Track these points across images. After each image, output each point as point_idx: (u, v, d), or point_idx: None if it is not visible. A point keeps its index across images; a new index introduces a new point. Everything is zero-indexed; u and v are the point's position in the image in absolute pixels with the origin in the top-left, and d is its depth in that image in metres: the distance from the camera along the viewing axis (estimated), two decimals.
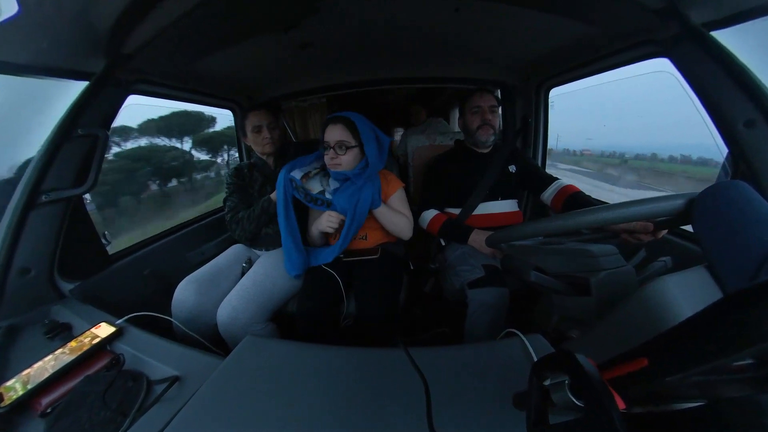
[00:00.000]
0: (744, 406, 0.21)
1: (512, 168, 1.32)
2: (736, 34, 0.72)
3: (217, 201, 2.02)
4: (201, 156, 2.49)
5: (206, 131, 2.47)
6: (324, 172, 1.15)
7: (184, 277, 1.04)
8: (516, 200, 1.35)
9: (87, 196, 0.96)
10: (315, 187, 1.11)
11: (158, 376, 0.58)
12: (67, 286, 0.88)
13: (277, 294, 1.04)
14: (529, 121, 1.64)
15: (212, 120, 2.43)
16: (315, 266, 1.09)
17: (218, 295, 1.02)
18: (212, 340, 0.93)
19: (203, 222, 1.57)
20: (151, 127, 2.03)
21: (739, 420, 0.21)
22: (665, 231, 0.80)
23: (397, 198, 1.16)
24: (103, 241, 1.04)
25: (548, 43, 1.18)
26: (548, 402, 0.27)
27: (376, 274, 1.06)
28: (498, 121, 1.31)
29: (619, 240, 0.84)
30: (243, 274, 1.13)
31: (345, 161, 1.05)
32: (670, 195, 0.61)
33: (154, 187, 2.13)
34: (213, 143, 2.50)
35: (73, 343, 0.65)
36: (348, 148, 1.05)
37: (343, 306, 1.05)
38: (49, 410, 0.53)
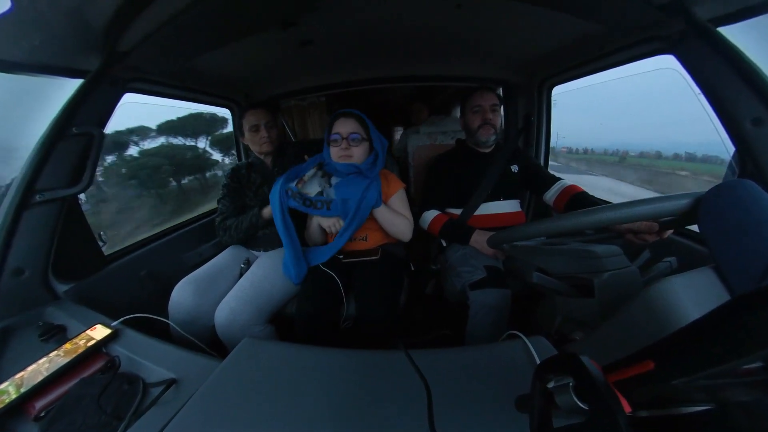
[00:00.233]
0: (753, 411, 0.21)
1: (514, 168, 1.31)
2: (744, 30, 0.71)
3: None
4: (215, 154, 2.65)
5: (221, 131, 2.59)
6: (322, 171, 1.13)
7: (182, 278, 1.03)
8: (518, 200, 1.34)
9: (82, 195, 0.94)
10: (313, 189, 1.10)
11: (154, 378, 0.57)
12: (61, 287, 0.87)
13: (275, 295, 1.03)
14: (531, 119, 1.63)
15: (224, 120, 2.53)
16: (315, 268, 1.08)
17: (216, 296, 1.01)
18: (210, 343, 0.92)
19: (201, 222, 1.56)
20: (174, 126, 2.24)
21: (748, 424, 0.21)
22: (670, 231, 0.79)
23: (398, 199, 1.15)
24: (99, 242, 1.03)
25: (551, 40, 1.17)
26: (552, 405, 0.27)
27: (376, 275, 1.05)
28: (500, 120, 1.29)
29: (623, 240, 0.83)
30: (241, 275, 1.12)
31: (357, 153, 1.06)
32: (676, 194, 0.60)
33: (183, 180, 2.40)
34: (228, 143, 2.59)
35: (67, 346, 0.64)
36: (361, 140, 1.07)
37: (343, 308, 1.04)
38: (43, 414, 0.52)
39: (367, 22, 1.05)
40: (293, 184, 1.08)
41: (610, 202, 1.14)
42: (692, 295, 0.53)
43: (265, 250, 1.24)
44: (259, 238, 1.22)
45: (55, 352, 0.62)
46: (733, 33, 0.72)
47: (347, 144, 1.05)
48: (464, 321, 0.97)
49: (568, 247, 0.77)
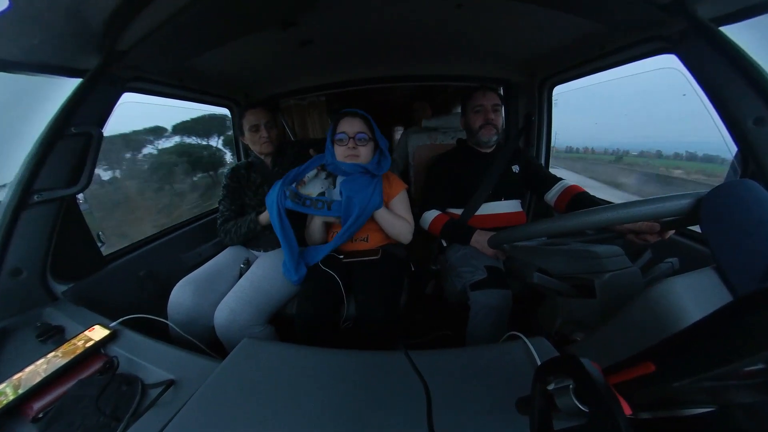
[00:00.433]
0: (755, 413, 0.21)
1: (515, 168, 1.31)
2: (746, 30, 0.71)
3: None
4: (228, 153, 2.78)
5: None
6: (325, 172, 1.13)
7: (181, 278, 1.03)
8: (519, 200, 1.34)
9: (80, 195, 0.94)
10: (315, 190, 1.09)
11: (153, 379, 0.57)
12: (60, 288, 0.86)
13: (275, 296, 1.02)
14: (532, 119, 1.63)
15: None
16: (315, 268, 1.08)
17: (215, 296, 1.00)
18: (209, 343, 0.91)
19: (200, 222, 1.55)
20: (191, 126, 2.40)
21: (751, 426, 0.20)
22: (672, 231, 0.78)
23: (399, 200, 1.15)
24: (98, 242, 1.03)
25: (552, 39, 1.17)
26: (552, 407, 0.27)
27: (376, 275, 1.05)
28: (501, 120, 1.29)
29: (624, 241, 0.82)
30: (241, 275, 1.12)
31: (363, 153, 1.06)
32: (677, 194, 0.59)
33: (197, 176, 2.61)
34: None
35: (65, 346, 0.64)
36: (368, 140, 1.07)
37: (343, 308, 1.04)
38: (41, 415, 0.52)
39: (367, 22, 1.05)
40: (293, 186, 1.08)
41: (611, 203, 1.14)
42: (694, 296, 0.53)
43: (265, 250, 1.23)
44: (259, 238, 1.22)
45: (53, 353, 0.62)
46: (735, 32, 0.71)
47: (354, 144, 1.05)
48: (464, 321, 0.96)
49: (569, 248, 0.76)
